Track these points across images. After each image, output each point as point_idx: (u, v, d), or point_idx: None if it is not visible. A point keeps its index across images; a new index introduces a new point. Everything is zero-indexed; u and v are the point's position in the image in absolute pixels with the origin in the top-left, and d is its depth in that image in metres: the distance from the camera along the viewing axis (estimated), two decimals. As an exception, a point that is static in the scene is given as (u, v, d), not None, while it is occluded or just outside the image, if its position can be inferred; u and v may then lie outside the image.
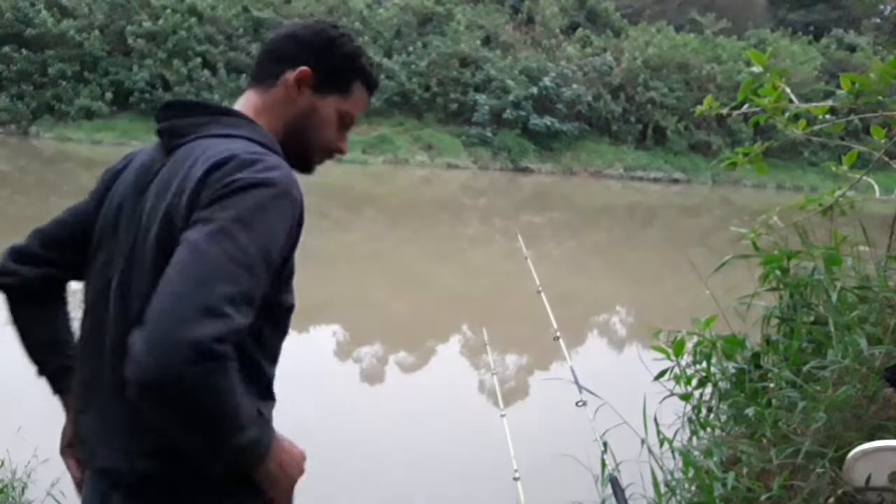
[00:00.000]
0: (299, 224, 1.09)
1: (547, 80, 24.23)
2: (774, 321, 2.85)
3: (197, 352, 0.89)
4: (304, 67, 1.21)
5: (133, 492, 1.12)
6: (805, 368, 2.34)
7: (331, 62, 1.23)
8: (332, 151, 1.29)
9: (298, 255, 1.14)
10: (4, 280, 1.31)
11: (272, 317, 1.13)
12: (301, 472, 1.11)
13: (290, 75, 1.21)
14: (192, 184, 1.05)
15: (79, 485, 1.35)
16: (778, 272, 2.86)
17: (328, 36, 1.24)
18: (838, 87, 2.36)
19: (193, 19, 22.03)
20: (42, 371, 1.36)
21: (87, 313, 1.23)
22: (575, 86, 24.69)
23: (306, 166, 1.27)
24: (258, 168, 1.04)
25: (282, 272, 1.10)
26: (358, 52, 1.27)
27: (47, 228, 1.34)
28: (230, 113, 1.20)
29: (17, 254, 1.33)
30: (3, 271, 1.31)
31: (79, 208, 1.33)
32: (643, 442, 2.52)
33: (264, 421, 1.07)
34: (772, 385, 2.50)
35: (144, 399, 0.91)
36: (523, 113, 23.82)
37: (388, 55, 23.88)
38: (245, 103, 1.24)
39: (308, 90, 1.22)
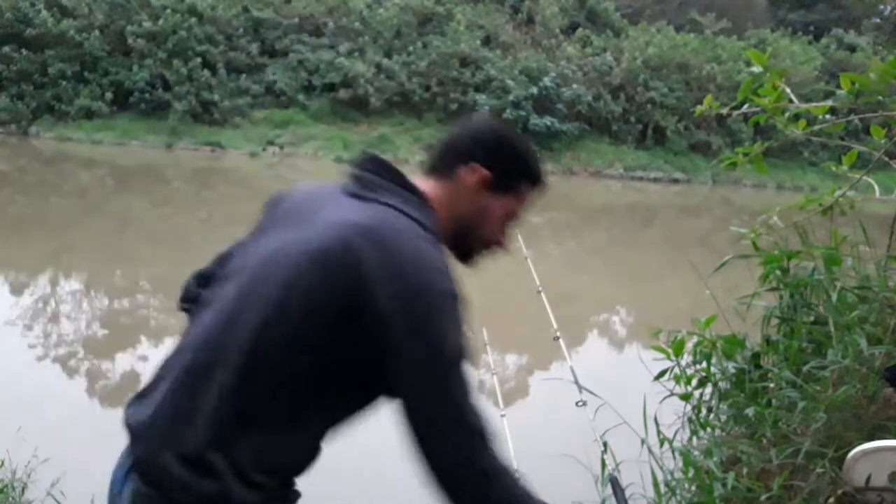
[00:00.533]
0: None
1: (547, 80, 24.22)
2: (774, 321, 2.85)
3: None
4: (485, 171, 1.26)
5: None
6: (805, 368, 2.34)
7: (506, 165, 1.28)
8: (494, 248, 1.34)
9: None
10: (186, 306, 1.35)
11: (344, 392, 1.18)
12: None
13: (470, 175, 1.26)
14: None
15: None
16: (778, 272, 2.86)
17: (506, 141, 1.30)
18: (838, 87, 2.36)
19: (193, 19, 22.02)
20: None
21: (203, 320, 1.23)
22: (575, 86, 24.68)
23: (466, 258, 1.31)
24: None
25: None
26: (528, 156, 1.32)
27: (226, 251, 1.38)
28: (419, 195, 1.24)
29: (200, 278, 1.36)
30: (186, 297, 1.36)
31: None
32: (643, 442, 2.52)
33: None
34: (772, 385, 2.50)
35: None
36: (523, 113, 23.81)
37: (388, 55, 23.88)
38: (426, 189, 1.27)
39: (483, 190, 1.26)
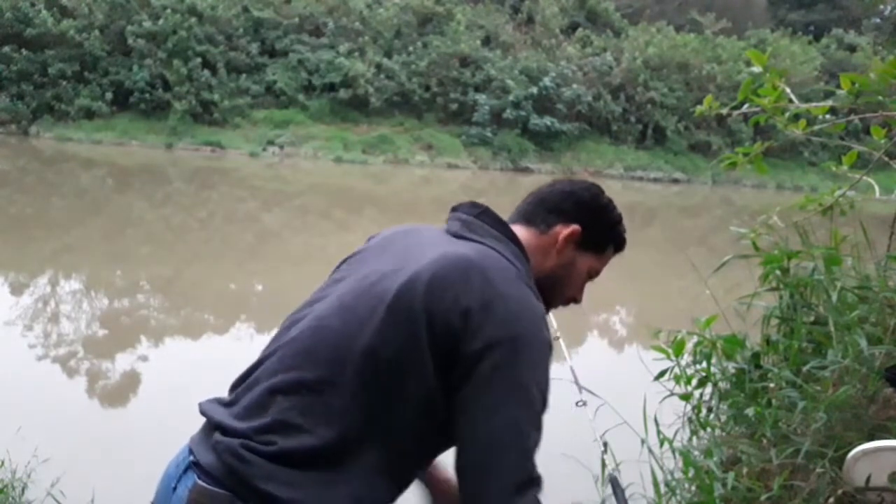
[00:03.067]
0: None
1: (547, 80, 24.22)
2: (774, 321, 2.85)
3: None
4: (576, 227, 1.31)
5: None
6: (805, 368, 2.34)
7: (598, 226, 1.35)
8: (570, 301, 1.39)
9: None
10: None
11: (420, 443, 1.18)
12: None
13: (564, 230, 1.31)
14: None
15: None
16: (778, 272, 2.86)
17: (601, 203, 1.38)
18: (838, 87, 2.36)
19: (193, 19, 22.01)
20: None
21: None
22: (575, 86, 24.68)
23: (546, 308, 1.27)
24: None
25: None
26: (618, 220, 1.40)
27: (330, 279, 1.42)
28: (517, 243, 1.28)
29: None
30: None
31: None
32: (643, 442, 2.53)
33: None
34: (772, 385, 2.50)
35: None
36: (523, 113, 23.81)
37: (388, 55, 23.88)
38: (522, 237, 1.30)
39: (573, 245, 1.32)
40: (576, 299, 1.39)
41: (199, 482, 1.10)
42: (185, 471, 1.13)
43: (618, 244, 1.40)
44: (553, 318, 2.62)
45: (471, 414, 1.08)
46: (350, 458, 1.09)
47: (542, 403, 1.11)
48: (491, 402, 1.07)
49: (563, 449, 2.57)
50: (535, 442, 1.09)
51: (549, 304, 1.32)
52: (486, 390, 1.07)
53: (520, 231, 1.31)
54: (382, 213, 14.31)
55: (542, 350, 1.13)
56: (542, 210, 1.36)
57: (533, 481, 1.08)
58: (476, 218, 1.28)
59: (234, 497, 1.07)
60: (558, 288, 1.34)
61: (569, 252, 1.32)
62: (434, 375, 1.09)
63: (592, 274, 1.38)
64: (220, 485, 1.08)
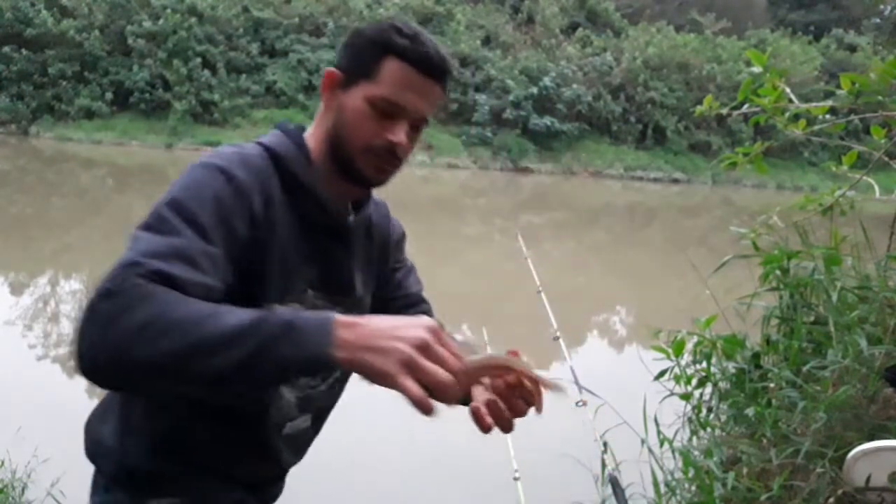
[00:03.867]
0: (243, 203, 0.99)
1: (547, 80, 24.23)
2: (774, 321, 2.85)
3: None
4: (329, 69, 1.12)
5: None
6: (805, 368, 2.34)
7: (354, 52, 1.11)
8: (379, 149, 1.08)
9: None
10: None
11: None
12: (410, 338, 0.78)
13: (324, 81, 1.13)
14: None
15: None
16: (778, 272, 2.87)
17: (358, 30, 1.14)
18: (838, 87, 2.36)
19: (193, 19, 22.03)
20: None
21: None
22: (575, 86, 24.70)
23: (359, 176, 1.11)
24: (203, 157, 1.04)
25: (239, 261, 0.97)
26: (384, 29, 1.10)
27: None
28: (279, 127, 1.16)
29: None
30: None
31: None
32: (643, 442, 2.52)
33: (265, 314, 0.80)
34: (772, 385, 2.50)
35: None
36: (523, 113, 23.83)
37: (388, 55, 23.89)
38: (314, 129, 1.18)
39: (339, 91, 1.11)
40: (385, 142, 1.07)
41: None
42: None
43: (397, 52, 1.06)
44: (553, 318, 2.62)
45: None
46: None
47: (173, 205, 0.93)
48: None
49: (563, 449, 2.58)
50: (154, 242, 0.87)
51: (352, 167, 1.10)
52: None
53: None
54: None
55: (183, 178, 0.98)
56: None
57: (124, 270, 0.82)
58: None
59: None
60: (344, 142, 1.09)
61: (335, 100, 1.10)
62: None
63: (382, 104, 1.06)
64: None
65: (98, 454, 1.16)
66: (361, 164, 1.09)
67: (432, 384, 0.76)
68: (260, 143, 1.11)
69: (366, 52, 1.09)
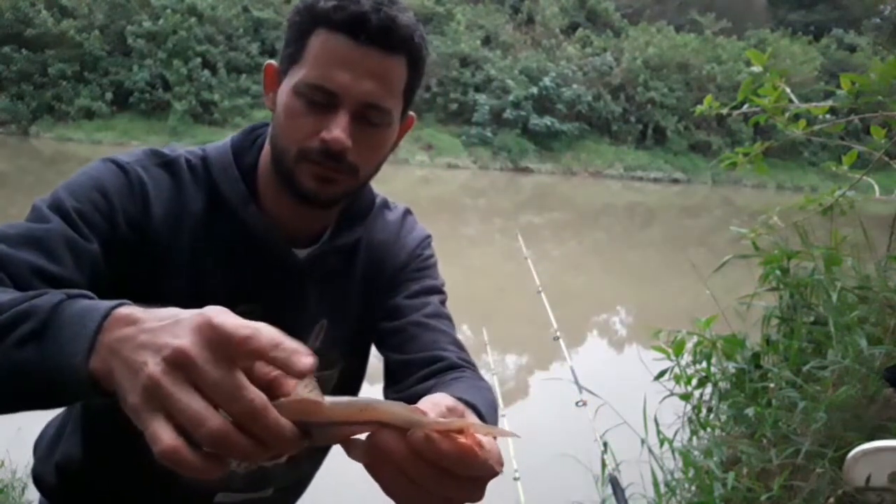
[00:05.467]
0: (134, 203, 0.85)
1: (547, 80, 24.24)
2: (774, 321, 2.85)
3: None
4: (268, 62, 0.92)
5: None
6: (805, 368, 2.34)
7: (288, 34, 0.89)
8: (312, 152, 0.84)
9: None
10: None
11: None
12: (161, 345, 0.48)
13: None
14: None
15: None
16: (778, 272, 2.87)
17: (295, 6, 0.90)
18: (838, 87, 2.36)
19: (193, 19, 22.04)
20: None
21: None
22: (575, 86, 24.71)
23: (299, 190, 0.87)
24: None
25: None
26: (310, 7, 0.85)
27: None
28: (247, 128, 1.00)
29: None
30: None
31: None
32: (643, 442, 2.53)
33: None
34: (772, 385, 2.50)
35: None
36: (523, 113, 23.83)
37: (388, 55, 23.91)
38: None
39: (274, 84, 0.90)
40: (321, 141, 0.83)
41: None
42: None
43: (324, 23, 0.83)
44: (553, 318, 2.62)
45: None
46: None
47: (52, 195, 0.82)
48: None
49: (563, 449, 2.58)
50: (13, 228, 0.77)
51: (290, 176, 0.86)
52: None
53: None
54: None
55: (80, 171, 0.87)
56: None
57: None
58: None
59: None
60: (281, 151, 0.87)
61: (276, 94, 0.89)
62: None
63: (308, 91, 0.83)
64: None
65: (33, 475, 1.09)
66: (299, 175, 0.86)
67: (192, 428, 0.44)
68: (204, 149, 0.94)
69: (294, 30, 0.86)
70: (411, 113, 0.95)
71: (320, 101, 0.83)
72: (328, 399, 0.48)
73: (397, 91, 0.87)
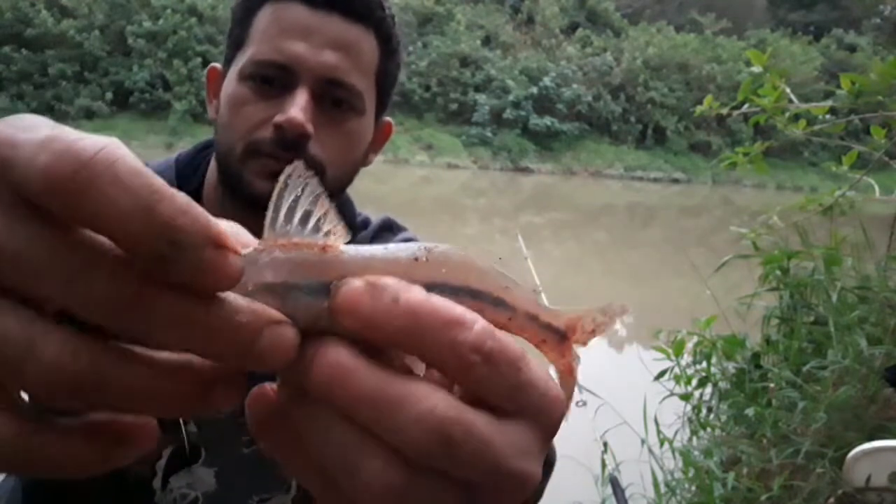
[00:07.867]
0: None
1: (547, 80, 24.25)
2: (774, 321, 2.86)
3: None
4: (211, 66, 0.82)
5: None
6: (805, 368, 2.34)
7: (230, 28, 0.77)
8: (264, 143, 0.70)
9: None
10: None
11: None
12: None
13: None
14: None
15: None
16: (778, 272, 2.87)
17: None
18: (838, 87, 2.36)
19: (193, 19, 22.05)
20: None
21: None
22: (575, 86, 24.71)
23: (249, 195, 0.71)
24: None
25: None
26: None
27: None
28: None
29: None
30: None
31: None
32: (643, 442, 2.53)
33: None
34: (772, 385, 2.50)
35: None
36: (523, 113, 23.84)
37: (388, 55, 23.93)
38: None
39: (216, 82, 0.80)
40: (256, 139, 0.70)
41: None
42: None
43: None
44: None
45: None
46: None
47: None
48: None
49: (563, 449, 2.57)
50: None
51: (238, 180, 0.72)
52: None
53: None
54: (382, 212, 14.29)
55: None
56: None
57: None
58: None
59: None
60: (226, 152, 0.73)
61: (220, 91, 0.76)
62: None
63: (248, 71, 0.71)
64: None
65: None
66: (248, 175, 0.70)
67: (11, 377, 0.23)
68: (146, 164, 0.74)
69: (236, 20, 0.75)
70: (388, 118, 0.83)
71: (272, 78, 0.69)
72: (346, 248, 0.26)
73: (367, 69, 0.72)
